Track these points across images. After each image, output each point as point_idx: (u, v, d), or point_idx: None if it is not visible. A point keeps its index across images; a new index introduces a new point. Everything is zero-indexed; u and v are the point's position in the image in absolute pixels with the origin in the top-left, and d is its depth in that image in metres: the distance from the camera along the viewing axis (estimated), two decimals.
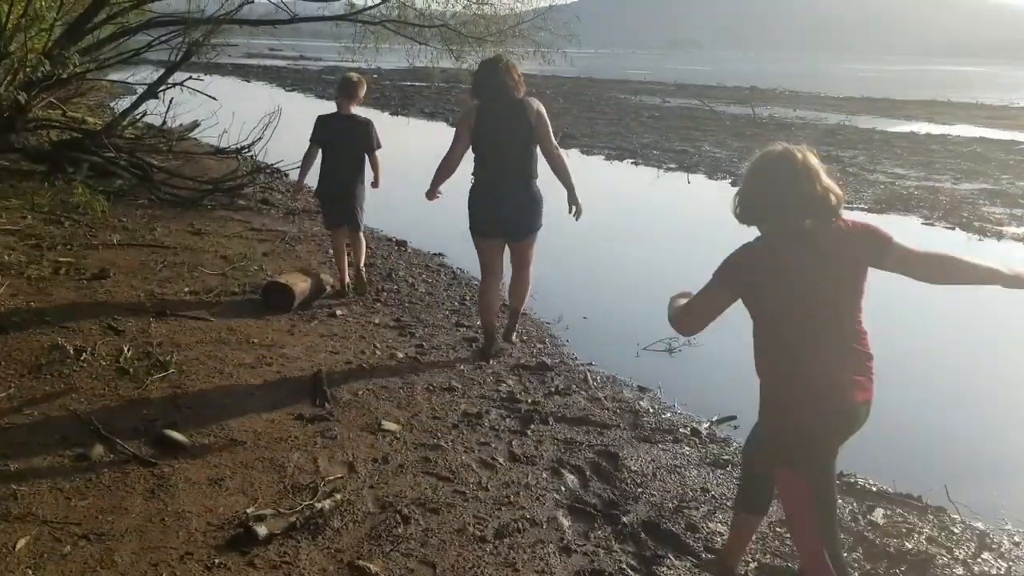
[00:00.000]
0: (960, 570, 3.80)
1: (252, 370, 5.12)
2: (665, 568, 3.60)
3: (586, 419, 5.05)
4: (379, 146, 6.83)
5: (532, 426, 4.85)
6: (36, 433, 4.07)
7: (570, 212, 5.63)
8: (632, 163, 17.12)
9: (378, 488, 3.90)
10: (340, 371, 5.29)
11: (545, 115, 5.47)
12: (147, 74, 12.67)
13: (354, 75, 6.97)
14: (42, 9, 10.12)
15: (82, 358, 4.95)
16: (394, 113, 25.40)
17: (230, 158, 12.02)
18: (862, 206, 13.20)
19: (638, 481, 4.35)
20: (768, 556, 3.77)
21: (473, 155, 5.61)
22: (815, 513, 2.92)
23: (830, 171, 2.97)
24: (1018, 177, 16.58)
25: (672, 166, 16.54)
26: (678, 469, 4.54)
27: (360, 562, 3.31)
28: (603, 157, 17.45)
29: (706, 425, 5.25)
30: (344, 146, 6.72)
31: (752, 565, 3.71)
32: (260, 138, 11.26)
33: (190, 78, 11.06)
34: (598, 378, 5.84)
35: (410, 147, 18.78)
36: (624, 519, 3.94)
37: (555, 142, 5.49)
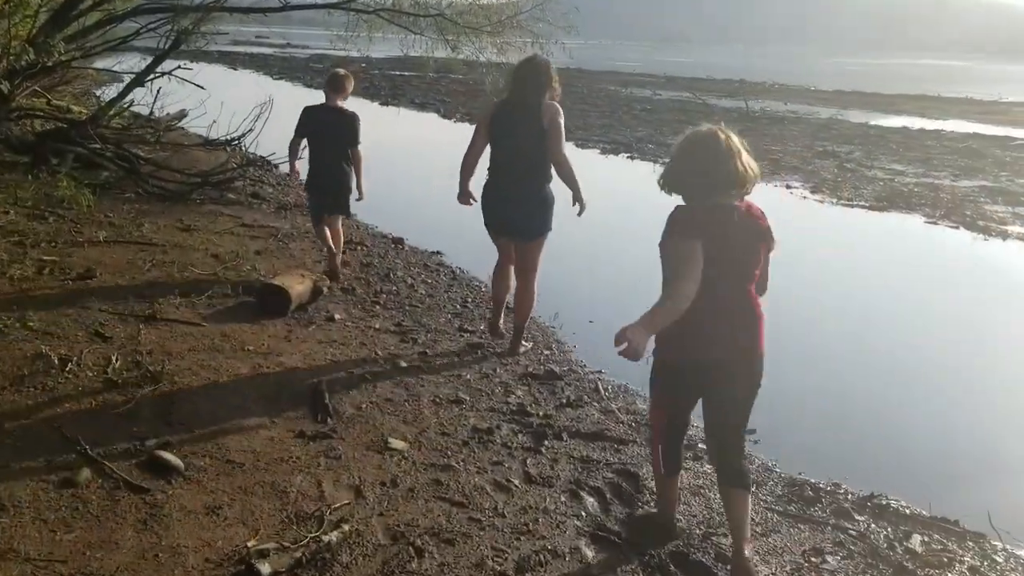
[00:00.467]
0: None
1: (248, 381, 4.83)
2: None
3: (601, 434, 4.80)
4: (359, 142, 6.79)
5: (546, 442, 4.59)
6: (18, 455, 3.77)
7: (573, 204, 5.55)
8: (628, 157, 16.85)
9: (388, 516, 3.63)
10: (341, 382, 5.00)
11: (560, 121, 5.34)
12: (134, 62, 12.31)
13: (341, 70, 7.06)
14: None
15: (67, 368, 4.65)
16: (384, 103, 25.01)
17: (219, 150, 11.67)
18: (863, 203, 13.00)
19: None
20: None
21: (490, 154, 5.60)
22: (667, 423, 3.65)
23: (751, 150, 3.35)
24: (1017, 174, 16.42)
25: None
26: (701, 490, 4.30)
27: None
28: (598, 151, 17.18)
29: None
30: (332, 139, 6.74)
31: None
32: (251, 130, 10.93)
33: (178, 67, 10.68)
34: (609, 388, 5.59)
35: (402, 139, 18.46)
36: (651, 549, 3.68)
37: (564, 150, 5.35)
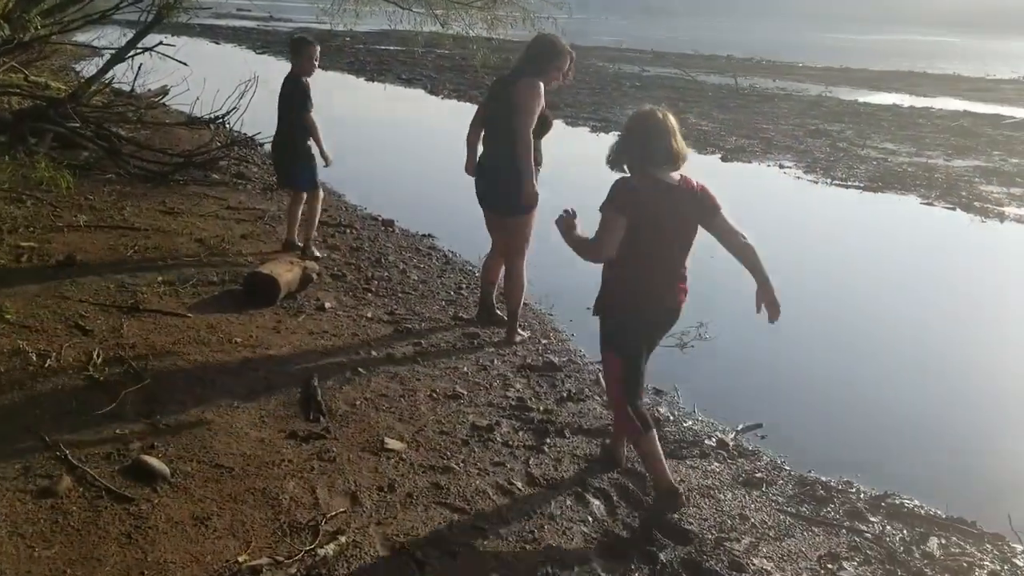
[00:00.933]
0: None
1: (236, 377, 4.62)
2: None
3: (605, 430, 4.62)
4: (311, 107, 6.68)
5: (548, 439, 4.42)
6: None
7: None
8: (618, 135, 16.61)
9: (386, 525, 3.44)
10: (334, 376, 4.80)
11: (530, 100, 5.22)
12: (115, 36, 11.96)
13: (301, 35, 7.09)
14: None
15: (47, 364, 4.43)
16: (370, 79, 24.64)
17: (203, 128, 11.38)
18: (857, 184, 12.85)
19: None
20: None
21: None
22: (623, 383, 3.87)
23: (684, 131, 3.73)
24: (1010, 154, 16.30)
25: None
26: (711, 491, 4.13)
27: None
28: (588, 129, 16.92)
29: (732, 435, 4.85)
30: (283, 109, 6.76)
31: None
32: (235, 107, 10.63)
33: (160, 42, 10.35)
34: None
35: (388, 116, 18.16)
36: (662, 556, 3.53)
37: (523, 129, 5.19)
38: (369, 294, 6.38)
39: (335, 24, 15.78)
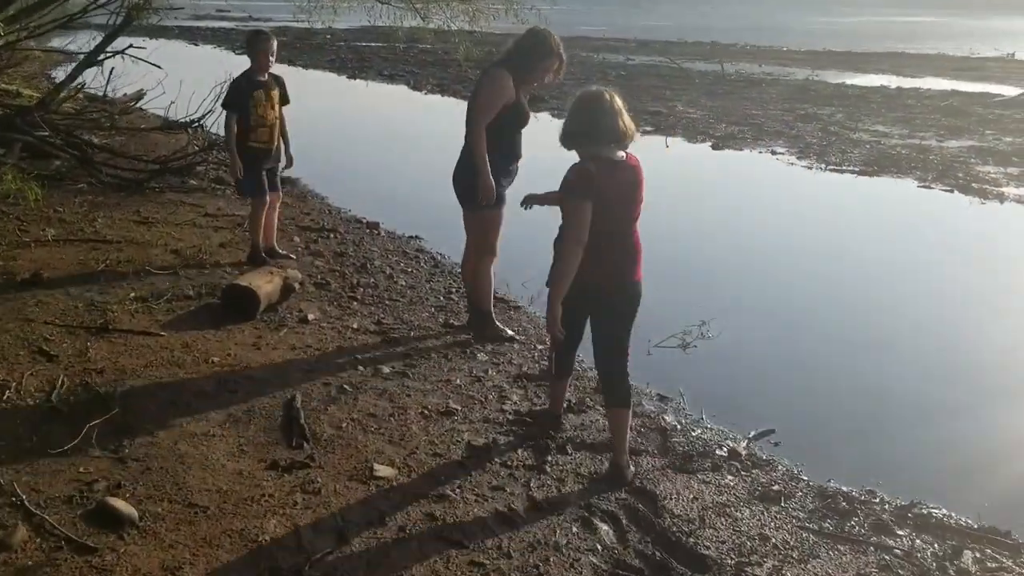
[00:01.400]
0: None
1: (213, 401, 4.30)
2: None
3: (610, 444, 4.32)
4: (225, 105, 6.42)
5: (549, 457, 4.12)
6: None
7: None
8: None
9: (377, 568, 3.14)
10: (318, 395, 4.49)
11: (489, 94, 5.06)
12: (87, 40, 11.58)
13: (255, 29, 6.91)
14: None
15: (5, 396, 4.11)
16: (351, 76, 24.23)
17: (180, 132, 11.02)
18: (852, 168, 12.58)
19: (685, 530, 3.64)
20: None
21: None
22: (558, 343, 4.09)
23: (630, 111, 3.84)
24: (1003, 132, 16.07)
25: (648, 128, 15.74)
26: (727, 509, 3.84)
27: None
28: None
29: (744, 444, 4.56)
30: None
31: None
32: (212, 110, 10.26)
33: (131, 45, 9.97)
34: None
35: (371, 114, 17.80)
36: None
37: (477, 119, 5.04)
38: (355, 303, 6.06)
39: (313, 22, 15.42)
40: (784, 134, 15.43)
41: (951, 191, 11.24)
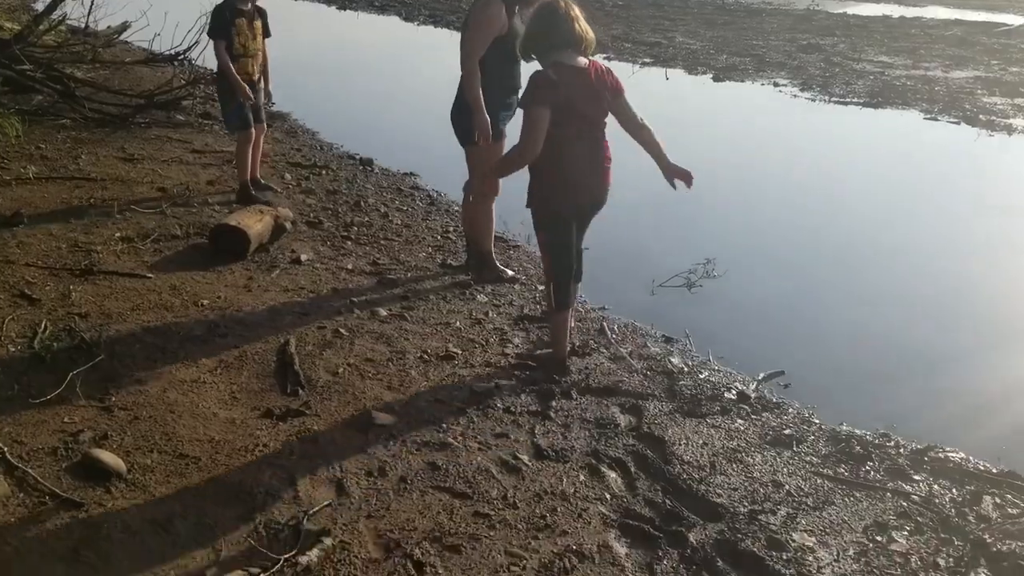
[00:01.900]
0: None
1: (203, 346, 4.13)
2: None
3: (615, 388, 4.19)
4: (210, 33, 6.18)
5: (553, 403, 3.97)
6: None
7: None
8: (604, 58, 15.86)
9: (378, 518, 3.00)
10: (313, 340, 4.32)
11: (477, 24, 4.81)
12: None
13: None
14: None
15: None
16: (341, 8, 23.59)
17: (165, 66, 10.67)
18: (856, 100, 12.31)
19: (695, 476, 3.51)
20: None
21: None
22: (552, 263, 4.16)
23: (589, 16, 3.94)
24: (1009, 63, 15.75)
25: (647, 60, 15.39)
26: (738, 454, 3.71)
27: None
28: None
29: (753, 386, 4.42)
30: None
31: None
32: (197, 42, 9.91)
33: None
34: (615, 328, 4.96)
35: (362, 47, 17.35)
36: (691, 537, 3.11)
37: (468, 50, 4.78)
38: (349, 242, 5.86)
39: None
40: (786, 65, 15.08)
41: (958, 123, 10.99)
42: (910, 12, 24.68)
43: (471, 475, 3.32)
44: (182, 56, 10.30)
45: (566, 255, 4.09)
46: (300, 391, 3.80)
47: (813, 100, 12.34)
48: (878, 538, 3.22)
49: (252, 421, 3.53)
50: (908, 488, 3.58)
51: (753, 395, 4.31)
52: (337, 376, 3.98)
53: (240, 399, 3.70)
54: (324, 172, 7.63)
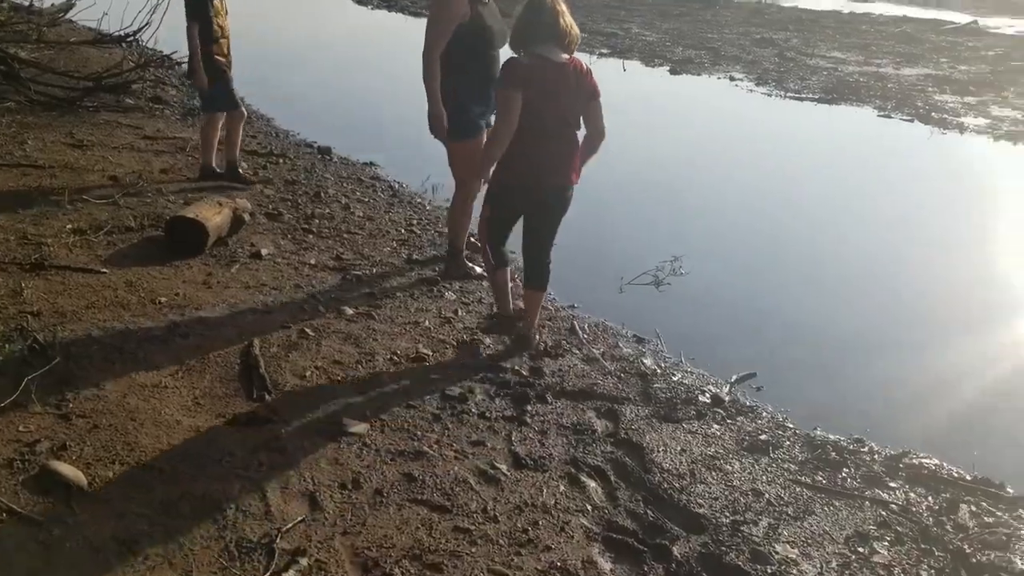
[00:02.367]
0: None
1: (163, 347, 3.95)
2: None
3: (591, 391, 4.12)
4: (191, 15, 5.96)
5: (529, 407, 3.88)
6: None
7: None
8: None
9: (354, 534, 2.88)
10: (278, 341, 4.16)
11: (433, 11, 4.73)
12: None
13: None
14: None
15: None
16: None
17: (113, 47, 10.31)
18: (811, 96, 12.41)
19: (676, 485, 3.45)
20: None
21: None
22: (490, 230, 4.27)
23: (573, 12, 4.01)
24: (957, 61, 16.02)
25: (604, 51, 15.34)
26: (716, 462, 3.66)
27: None
28: None
29: (726, 389, 4.39)
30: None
31: None
32: (148, 23, 9.58)
33: None
34: (587, 327, 4.89)
35: (314, 32, 17.02)
36: (675, 551, 3.05)
37: (428, 44, 4.64)
38: (310, 235, 5.69)
39: None
40: (741, 59, 15.15)
41: (911, 121, 11.13)
42: (859, 8, 25.03)
43: (449, 486, 3.21)
44: (132, 37, 9.97)
45: (500, 230, 4.28)
46: (266, 396, 3.65)
47: (769, 95, 12.40)
48: (860, 549, 3.19)
49: (218, 429, 3.38)
50: (886, 496, 3.57)
51: (727, 398, 4.27)
52: (304, 380, 3.84)
53: (204, 405, 3.54)
54: (282, 161, 7.43)
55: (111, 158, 6.76)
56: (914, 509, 3.50)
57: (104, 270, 4.68)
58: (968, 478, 3.78)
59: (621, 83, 12.50)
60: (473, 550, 2.89)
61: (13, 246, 4.85)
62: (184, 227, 5.08)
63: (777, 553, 3.11)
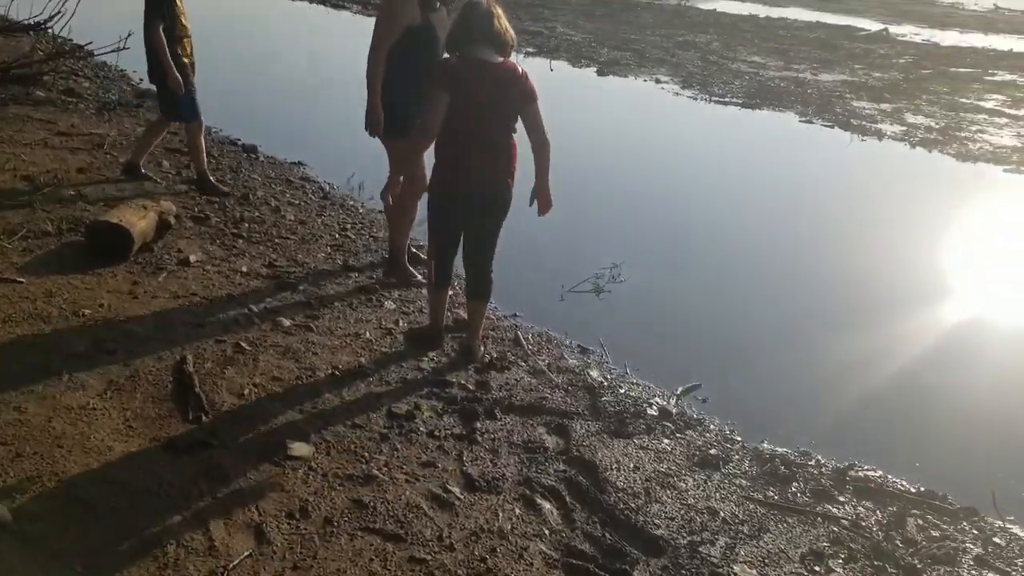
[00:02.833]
0: None
1: (88, 364, 3.71)
2: None
3: (539, 406, 4.03)
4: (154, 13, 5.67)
5: (478, 424, 3.78)
6: None
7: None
8: None
9: (305, 568, 2.73)
10: (212, 357, 3.96)
11: (380, 15, 4.73)
12: None
13: None
14: None
15: None
16: None
17: (21, 35, 9.79)
18: (736, 100, 12.54)
19: (632, 505, 3.39)
20: None
21: None
22: (436, 249, 4.21)
23: (510, 18, 4.01)
24: (871, 68, 16.43)
25: (531, 50, 15.27)
26: (669, 479, 3.62)
27: None
28: None
29: (673, 401, 4.36)
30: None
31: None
32: (60, 12, 9.12)
33: None
34: (531, 337, 4.81)
35: (238, 24, 16.53)
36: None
37: (374, 46, 4.60)
38: (240, 240, 5.46)
39: None
40: (666, 62, 15.26)
41: (832, 127, 11.33)
42: (775, 12, 25.47)
43: (401, 513, 3.08)
44: (43, 26, 9.47)
45: (447, 237, 4.18)
46: (203, 417, 3.46)
47: (695, 99, 12.49)
48: (816, 568, 3.18)
49: (153, 455, 3.17)
50: (836, 511, 3.58)
51: (674, 411, 4.24)
52: (243, 398, 3.65)
53: (137, 428, 3.32)
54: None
55: (23, 156, 6.38)
56: (864, 524, 3.51)
57: (20, 279, 4.39)
58: (913, 491, 3.81)
59: (548, 82, 12.44)
60: None
61: None
62: (107, 232, 4.81)
63: (736, 574, 3.07)
